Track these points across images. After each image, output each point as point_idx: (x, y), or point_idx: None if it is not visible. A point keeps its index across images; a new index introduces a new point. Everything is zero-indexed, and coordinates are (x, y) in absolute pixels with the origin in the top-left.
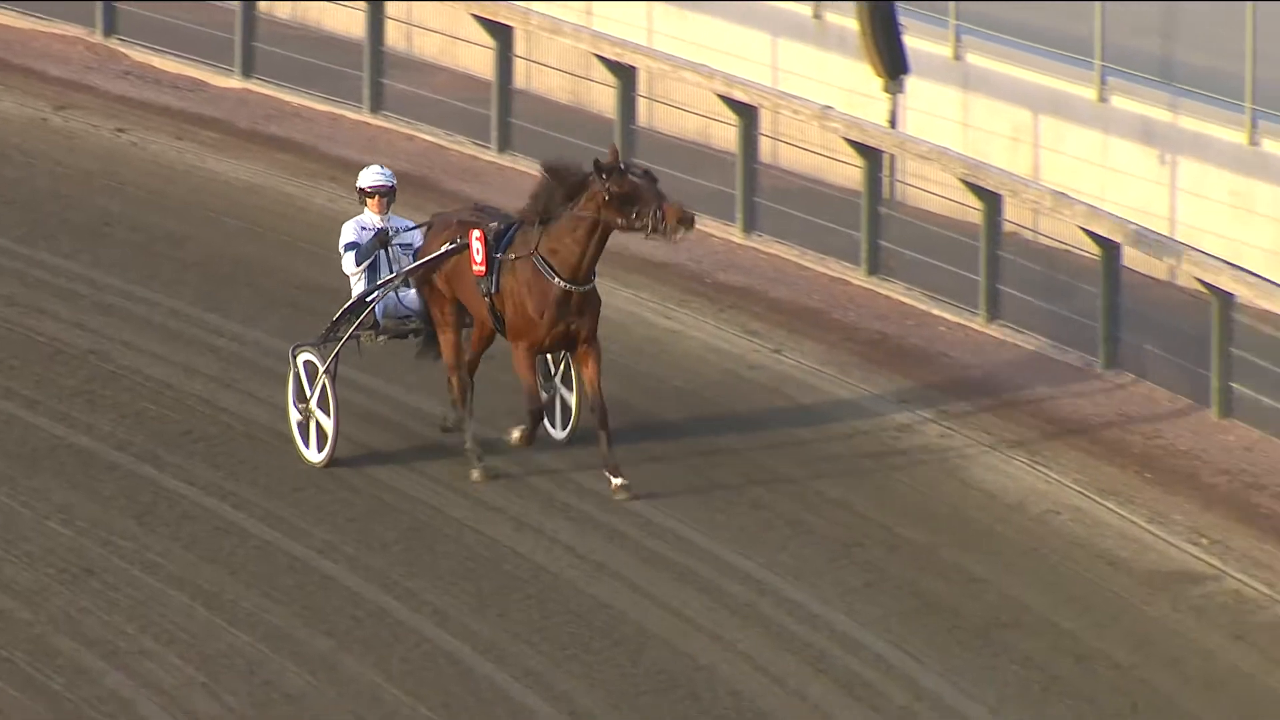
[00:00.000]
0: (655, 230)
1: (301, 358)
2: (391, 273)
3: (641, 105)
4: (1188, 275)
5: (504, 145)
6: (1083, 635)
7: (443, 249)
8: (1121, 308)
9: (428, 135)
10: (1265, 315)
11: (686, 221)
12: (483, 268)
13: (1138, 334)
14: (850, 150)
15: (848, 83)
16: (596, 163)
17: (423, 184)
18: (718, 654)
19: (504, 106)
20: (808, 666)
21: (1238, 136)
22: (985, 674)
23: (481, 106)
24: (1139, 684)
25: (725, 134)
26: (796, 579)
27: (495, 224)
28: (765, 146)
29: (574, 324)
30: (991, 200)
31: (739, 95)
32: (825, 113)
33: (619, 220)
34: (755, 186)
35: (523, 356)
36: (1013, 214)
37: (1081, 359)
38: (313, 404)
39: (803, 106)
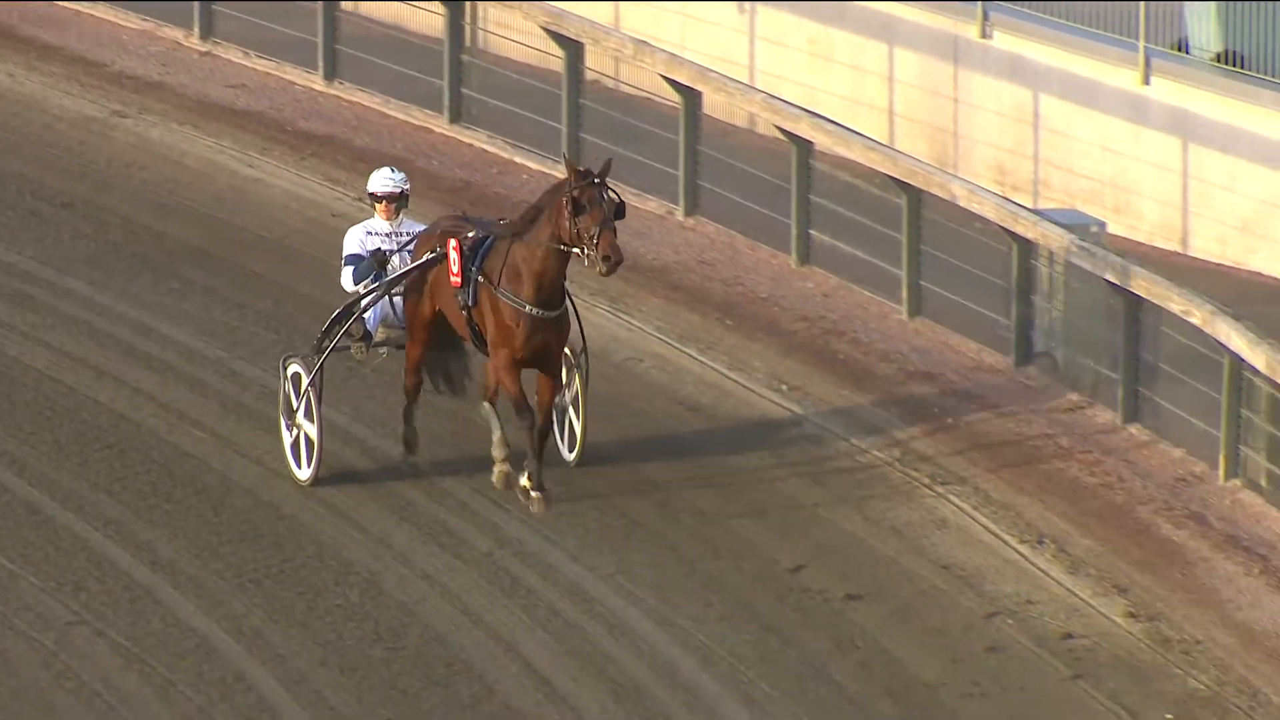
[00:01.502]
0: (586, 252)
1: (290, 369)
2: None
3: None
4: (767, 123)
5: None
6: (664, 481)
7: (422, 259)
8: (701, 155)
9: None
10: (843, 163)
11: (610, 261)
12: (459, 279)
13: (718, 181)
14: None
15: None
16: (572, 162)
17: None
18: (301, 504)
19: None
20: (393, 515)
21: None
22: (567, 519)
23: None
24: (720, 529)
25: None
26: (381, 427)
27: (473, 234)
28: None
29: (549, 338)
30: (573, 48)
31: None
32: None
33: (564, 226)
34: (336, 34)
35: (504, 368)
36: (594, 62)
37: (663, 206)
38: (299, 417)
39: None
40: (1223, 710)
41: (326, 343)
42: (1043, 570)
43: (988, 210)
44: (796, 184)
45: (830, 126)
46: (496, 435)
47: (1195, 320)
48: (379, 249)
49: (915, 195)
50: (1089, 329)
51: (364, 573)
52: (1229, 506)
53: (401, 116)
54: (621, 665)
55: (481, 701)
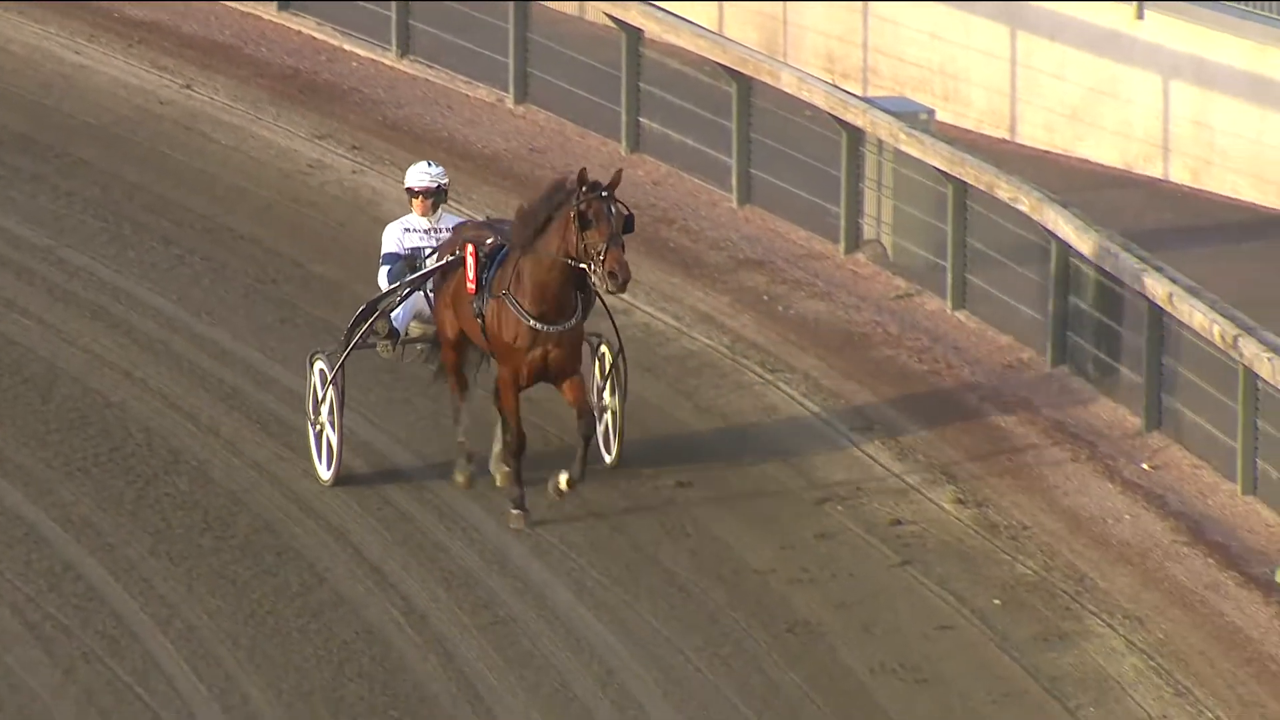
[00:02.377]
0: (592, 268)
1: (316, 366)
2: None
3: None
4: (596, 10)
5: None
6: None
7: (439, 262)
8: (531, 42)
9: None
10: (673, 50)
11: (616, 279)
12: (473, 286)
13: (549, 69)
14: None
15: None
16: (583, 172)
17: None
18: (129, 391)
19: None
20: (221, 403)
21: None
22: (399, 407)
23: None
24: (548, 416)
25: None
26: (209, 315)
27: (490, 240)
28: None
29: (554, 353)
30: None
31: None
32: None
33: (570, 240)
34: None
35: (506, 382)
36: None
37: (493, 94)
38: (323, 415)
39: None
40: (1049, 594)
41: (353, 340)
42: (871, 457)
43: (817, 98)
44: (626, 71)
45: (660, 14)
46: (496, 449)
47: (1023, 207)
48: (411, 251)
49: (745, 83)
50: (918, 216)
51: (193, 461)
52: (1056, 393)
53: (230, 2)
54: (452, 554)
55: (312, 590)
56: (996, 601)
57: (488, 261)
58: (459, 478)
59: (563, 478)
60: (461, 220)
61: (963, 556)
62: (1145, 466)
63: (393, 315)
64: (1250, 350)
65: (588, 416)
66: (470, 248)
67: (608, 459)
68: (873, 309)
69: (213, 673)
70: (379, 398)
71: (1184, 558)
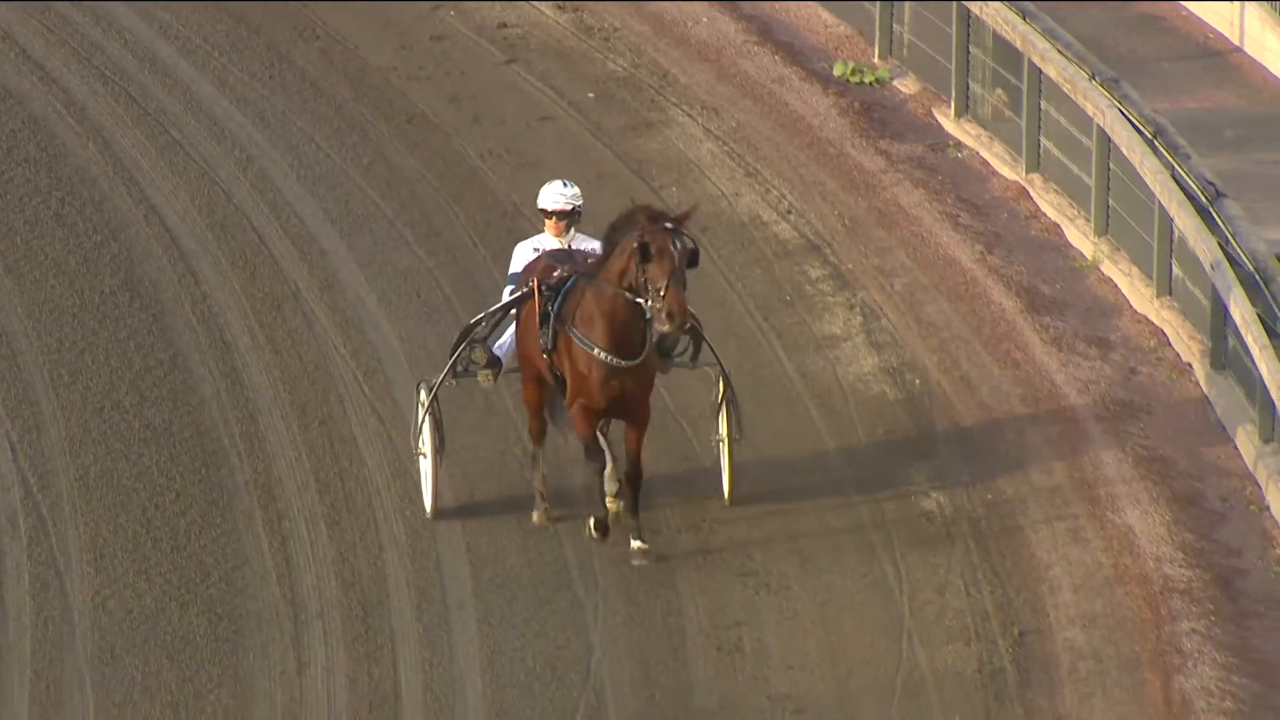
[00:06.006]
0: (650, 303)
1: (420, 394)
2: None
3: None
4: None
5: None
6: None
7: (510, 298)
8: None
9: None
10: None
11: (673, 320)
12: (539, 319)
13: None
14: None
15: None
16: (649, 208)
17: None
18: None
19: None
20: None
21: None
22: None
23: None
24: None
25: None
26: None
27: (558, 272)
28: None
29: (627, 387)
30: None
31: None
32: None
33: (630, 271)
34: None
35: (579, 414)
36: None
37: None
38: (422, 444)
39: None
40: (637, 88)
41: (458, 365)
42: None
43: None
44: None
45: None
46: (537, 480)
47: None
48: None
49: None
50: None
51: None
52: None
53: None
54: (108, 53)
55: None
56: (591, 95)
57: (552, 294)
58: (536, 517)
59: (635, 545)
60: (595, 244)
61: (561, 55)
62: None
63: (498, 345)
64: None
65: (635, 466)
66: (535, 282)
67: (725, 498)
68: None
69: None
70: None
71: (754, 55)
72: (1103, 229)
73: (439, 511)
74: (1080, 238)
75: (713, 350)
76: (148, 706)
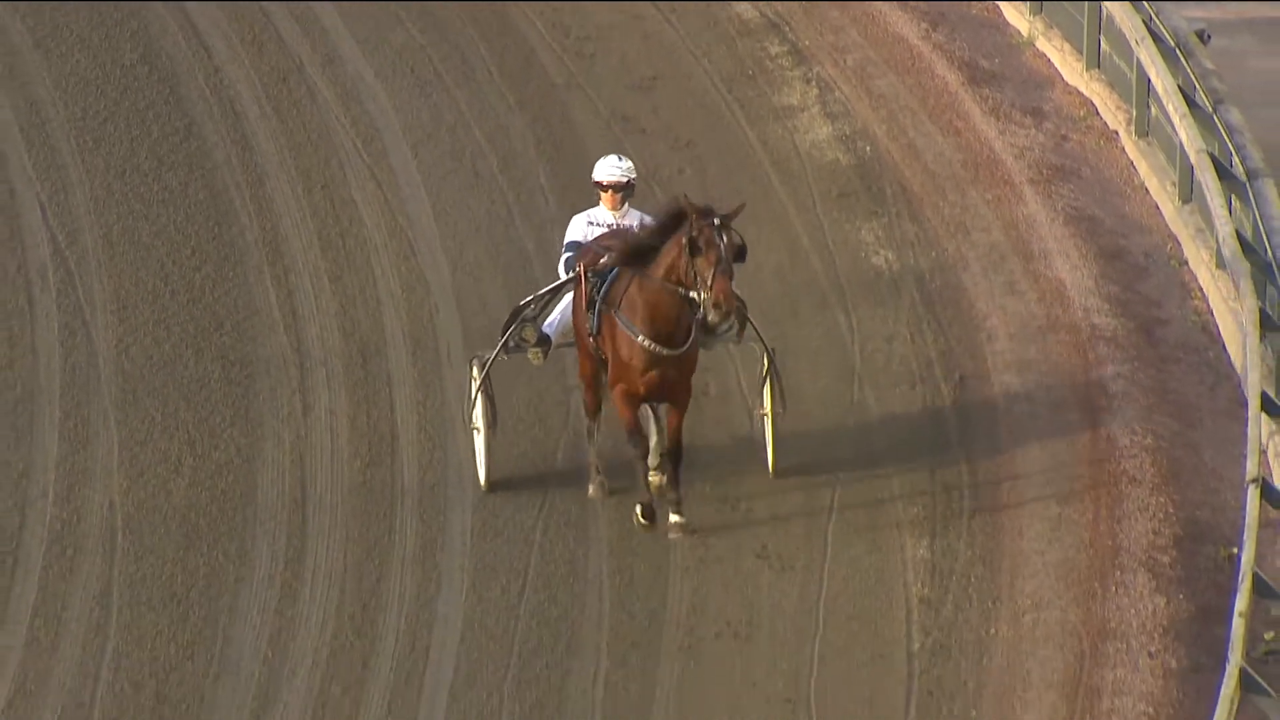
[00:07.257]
0: (701, 296)
1: (473, 370)
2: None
3: None
4: None
5: None
6: None
7: (562, 280)
8: None
9: None
10: None
11: (720, 309)
12: (585, 302)
13: None
14: None
15: None
16: (697, 204)
17: None
18: None
19: None
20: None
21: None
22: None
23: None
24: None
25: None
26: None
27: (604, 259)
28: None
29: (668, 375)
30: None
31: None
32: None
33: (680, 266)
34: None
35: (621, 399)
36: None
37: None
38: (474, 419)
39: None
40: None
41: (510, 341)
42: None
43: None
44: None
45: None
46: (593, 454)
47: None
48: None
49: None
50: None
51: None
52: None
53: None
54: None
55: None
56: None
57: (599, 280)
58: (592, 490)
59: (674, 519)
60: (647, 218)
61: None
62: None
63: (547, 323)
64: None
65: (676, 448)
66: (580, 266)
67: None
68: None
69: None
70: None
71: None
72: (1038, 8)
73: (493, 484)
74: (1017, 16)
75: (756, 330)
76: (166, 443)
